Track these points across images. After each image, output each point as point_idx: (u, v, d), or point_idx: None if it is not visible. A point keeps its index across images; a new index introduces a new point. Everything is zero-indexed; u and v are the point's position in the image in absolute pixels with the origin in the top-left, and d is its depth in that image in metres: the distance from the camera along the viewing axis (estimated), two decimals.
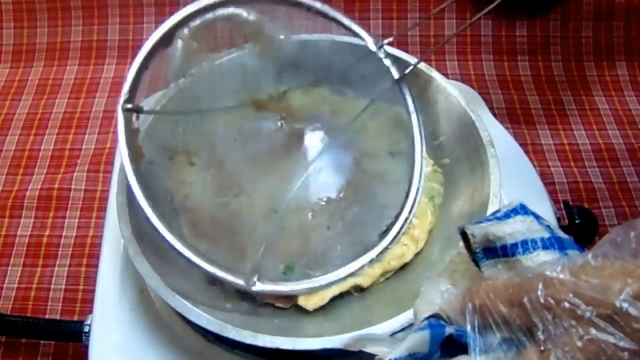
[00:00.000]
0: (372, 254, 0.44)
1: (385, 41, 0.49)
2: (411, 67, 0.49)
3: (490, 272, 0.29)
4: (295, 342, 0.37)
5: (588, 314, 0.23)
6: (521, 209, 0.30)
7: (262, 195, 0.48)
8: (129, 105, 0.43)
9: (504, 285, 0.26)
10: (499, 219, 0.29)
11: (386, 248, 0.44)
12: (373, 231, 0.46)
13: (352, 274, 0.43)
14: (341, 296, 0.44)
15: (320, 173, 0.50)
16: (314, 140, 0.52)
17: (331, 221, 0.48)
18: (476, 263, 0.29)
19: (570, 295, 0.23)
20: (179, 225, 0.47)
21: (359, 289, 0.45)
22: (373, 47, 0.49)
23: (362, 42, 0.49)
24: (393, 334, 0.38)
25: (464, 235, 0.30)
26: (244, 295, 0.45)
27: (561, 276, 0.24)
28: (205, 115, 0.51)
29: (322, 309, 0.43)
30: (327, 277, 0.43)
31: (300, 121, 0.53)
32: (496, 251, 0.29)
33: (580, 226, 0.58)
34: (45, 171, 0.78)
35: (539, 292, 0.24)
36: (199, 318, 0.39)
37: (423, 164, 0.47)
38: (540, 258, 0.28)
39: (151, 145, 0.46)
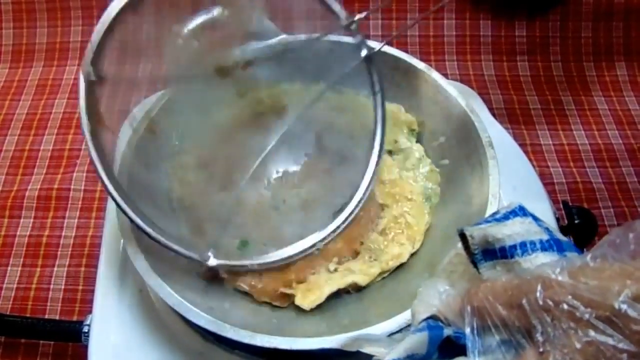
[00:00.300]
0: (325, 232, 0.44)
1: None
2: (379, 47, 0.48)
3: (488, 273, 0.29)
4: (293, 342, 0.38)
5: (587, 315, 0.23)
6: (520, 211, 0.30)
7: (221, 172, 0.48)
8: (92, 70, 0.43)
9: (502, 287, 0.26)
10: (498, 220, 0.29)
11: (338, 227, 0.44)
12: (328, 210, 0.46)
13: (304, 251, 0.44)
14: (339, 296, 0.45)
15: (281, 152, 0.49)
16: (276, 119, 0.51)
17: (288, 198, 0.48)
18: (474, 264, 0.29)
19: (569, 297, 0.23)
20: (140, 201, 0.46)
21: (357, 288, 0.45)
22: (344, 22, 0.47)
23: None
24: (391, 334, 0.38)
25: (462, 236, 0.30)
26: (243, 295, 0.45)
27: (560, 278, 0.24)
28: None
29: (319, 308, 0.44)
30: (280, 253, 0.43)
31: (262, 101, 0.52)
32: (495, 253, 0.29)
33: (579, 226, 0.57)
34: (44, 171, 0.77)
35: (538, 294, 0.24)
36: (198, 318, 0.39)
37: (383, 146, 0.46)
38: (539, 260, 0.28)
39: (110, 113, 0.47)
